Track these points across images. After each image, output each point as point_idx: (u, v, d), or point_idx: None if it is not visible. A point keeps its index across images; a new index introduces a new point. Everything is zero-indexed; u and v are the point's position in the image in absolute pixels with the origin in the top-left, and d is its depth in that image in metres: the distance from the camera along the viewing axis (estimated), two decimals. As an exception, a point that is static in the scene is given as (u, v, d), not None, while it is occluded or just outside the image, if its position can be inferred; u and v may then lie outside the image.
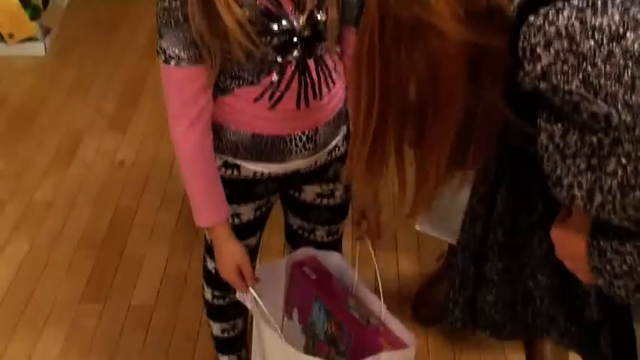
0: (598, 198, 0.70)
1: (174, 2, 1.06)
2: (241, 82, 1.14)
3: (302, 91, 1.15)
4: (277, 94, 1.15)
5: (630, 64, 0.62)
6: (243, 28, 1.05)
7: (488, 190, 0.94)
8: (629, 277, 0.75)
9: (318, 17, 1.12)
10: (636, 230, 0.72)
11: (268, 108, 1.15)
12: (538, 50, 0.66)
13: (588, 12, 0.63)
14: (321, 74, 1.16)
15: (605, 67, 0.63)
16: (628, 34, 0.63)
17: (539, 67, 0.67)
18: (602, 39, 0.63)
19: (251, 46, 1.07)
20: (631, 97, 0.63)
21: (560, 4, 0.65)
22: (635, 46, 0.63)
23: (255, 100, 1.15)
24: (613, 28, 0.63)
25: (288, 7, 1.10)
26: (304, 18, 1.11)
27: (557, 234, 0.85)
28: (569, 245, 0.83)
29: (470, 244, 1.17)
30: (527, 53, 0.67)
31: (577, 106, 0.67)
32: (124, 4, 3.06)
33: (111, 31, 2.92)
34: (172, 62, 1.09)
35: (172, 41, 1.08)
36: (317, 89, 1.17)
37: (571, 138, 0.69)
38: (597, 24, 0.63)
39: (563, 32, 0.64)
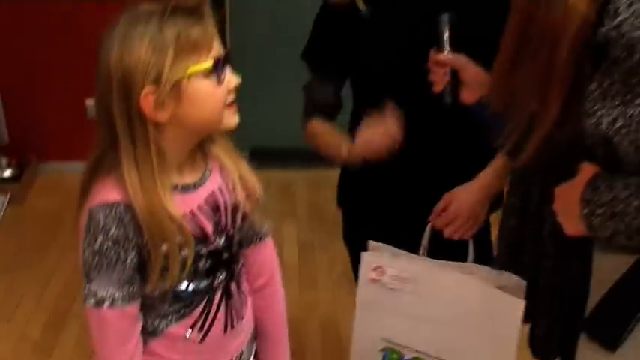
0: (620, 122, 1.09)
1: (106, 243, 1.20)
2: (171, 318, 1.30)
3: (228, 315, 1.35)
4: (207, 322, 1.32)
5: None
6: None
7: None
8: (609, 205, 1.11)
9: (235, 237, 1.34)
10: (635, 159, 1.09)
11: (198, 341, 1.33)
12: (620, 9, 1.07)
13: None
14: (241, 294, 1.38)
15: None
16: None
17: (616, 20, 1.07)
18: None
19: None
20: None
21: None
22: None
23: (186, 336, 1.31)
24: None
25: (210, 229, 1.29)
26: (223, 239, 1.32)
27: (560, 188, 1.21)
28: (569, 193, 1.19)
29: None
30: (612, 12, 1.08)
31: (632, 49, 1.05)
32: (55, 223, 3.28)
33: (40, 251, 3.18)
34: (106, 304, 1.22)
35: (105, 282, 1.22)
36: (239, 310, 1.38)
37: (615, 84, 1.08)
38: None
39: None
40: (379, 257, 1.55)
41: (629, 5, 1.06)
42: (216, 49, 1.22)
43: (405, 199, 1.60)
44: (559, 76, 1.14)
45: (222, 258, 1.32)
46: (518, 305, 1.40)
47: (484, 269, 1.49)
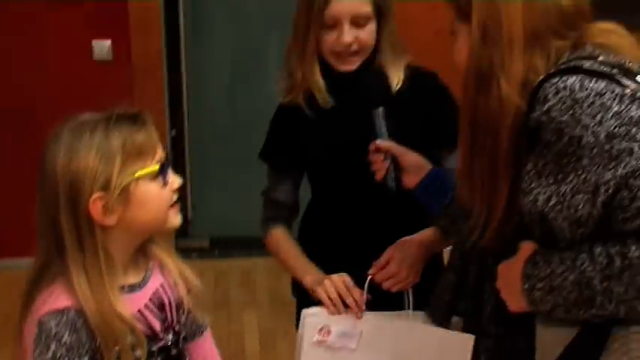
0: (554, 199, 1.19)
1: (60, 350, 1.19)
2: None
3: None
4: None
5: (602, 110, 1.15)
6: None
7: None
8: (548, 279, 1.20)
9: (181, 333, 1.38)
10: (569, 234, 1.19)
11: None
12: (549, 96, 1.18)
13: (586, 79, 1.18)
14: None
15: (586, 109, 1.16)
16: (606, 94, 1.17)
17: (545, 106, 1.18)
18: (590, 93, 1.16)
19: None
20: (598, 128, 1.15)
21: (571, 74, 1.19)
22: (608, 101, 1.16)
23: None
24: (598, 89, 1.17)
25: (158, 327, 1.32)
26: (171, 335, 1.35)
27: (502, 265, 1.31)
28: (510, 270, 1.27)
29: None
30: (541, 99, 1.19)
31: (561, 132, 1.16)
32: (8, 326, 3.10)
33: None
34: None
35: None
36: None
37: (549, 165, 1.19)
38: (590, 85, 1.17)
39: (569, 86, 1.17)
40: (323, 317, 1.60)
41: (556, 93, 1.17)
42: (160, 153, 1.28)
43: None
44: (504, 163, 1.24)
45: (171, 354, 1.35)
46: (469, 340, 1.46)
47: (421, 315, 1.58)
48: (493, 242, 1.30)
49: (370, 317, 1.61)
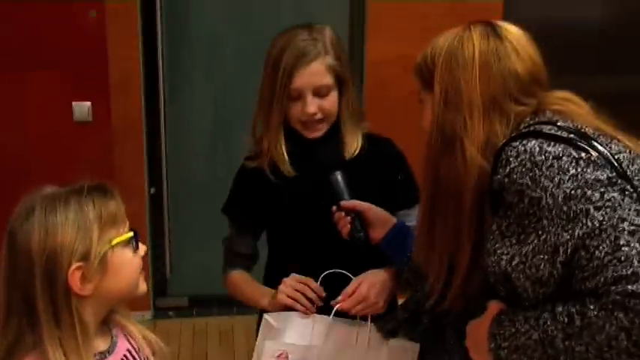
0: (516, 259, 1.23)
1: None
2: None
3: None
4: None
5: (560, 173, 1.20)
6: None
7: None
8: (513, 338, 1.23)
9: None
10: (532, 293, 1.22)
11: None
12: (511, 159, 1.24)
13: (545, 143, 1.23)
14: None
15: (545, 171, 1.21)
16: (564, 158, 1.22)
17: (507, 169, 1.24)
18: (548, 156, 1.22)
19: None
20: (556, 190, 1.19)
21: (531, 138, 1.25)
22: (565, 164, 1.21)
23: None
24: (556, 153, 1.22)
25: None
26: None
27: (470, 325, 1.36)
28: (478, 329, 1.31)
29: None
30: (504, 161, 1.25)
31: (522, 194, 1.22)
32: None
33: None
34: None
35: None
36: None
37: (512, 226, 1.24)
38: (548, 149, 1.23)
39: (529, 150, 1.23)
40: (281, 343, 1.65)
41: (517, 156, 1.23)
42: (127, 221, 1.33)
43: None
44: (467, 222, 1.30)
45: None
46: (414, 347, 1.59)
47: (373, 327, 1.65)
48: (457, 302, 1.34)
49: (329, 347, 1.65)
